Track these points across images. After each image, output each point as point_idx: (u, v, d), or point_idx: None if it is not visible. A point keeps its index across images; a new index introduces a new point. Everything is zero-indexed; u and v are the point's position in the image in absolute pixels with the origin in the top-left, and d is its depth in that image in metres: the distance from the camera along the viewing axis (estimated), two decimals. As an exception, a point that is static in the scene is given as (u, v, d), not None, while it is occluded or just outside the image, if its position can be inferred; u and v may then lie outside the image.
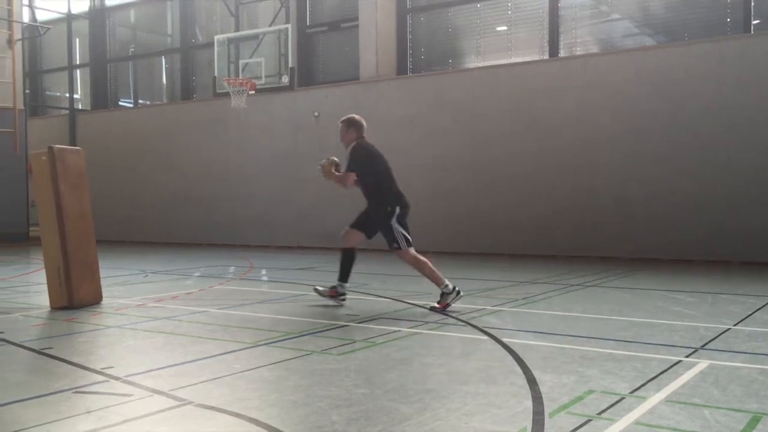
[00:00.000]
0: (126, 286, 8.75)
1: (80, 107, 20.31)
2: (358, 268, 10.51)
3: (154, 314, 6.50)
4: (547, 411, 3.45)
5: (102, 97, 19.51)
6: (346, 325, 5.85)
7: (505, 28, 13.82)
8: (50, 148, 6.88)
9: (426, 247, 13.39)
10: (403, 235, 6.62)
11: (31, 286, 8.95)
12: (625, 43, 12.66)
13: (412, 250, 6.63)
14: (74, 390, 3.93)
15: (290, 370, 4.37)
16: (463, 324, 5.85)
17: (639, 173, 11.55)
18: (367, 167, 6.79)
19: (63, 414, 3.51)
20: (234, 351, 4.92)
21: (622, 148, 11.70)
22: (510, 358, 4.59)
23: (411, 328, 5.71)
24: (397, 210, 6.63)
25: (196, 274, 10.14)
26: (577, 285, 8.32)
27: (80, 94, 20.68)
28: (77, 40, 20.05)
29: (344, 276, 6.93)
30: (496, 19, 13.89)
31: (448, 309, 6.45)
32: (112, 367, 4.44)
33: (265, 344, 5.15)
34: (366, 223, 6.89)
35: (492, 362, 4.49)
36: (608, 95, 11.85)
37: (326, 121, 14.74)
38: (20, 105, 16.90)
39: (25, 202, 16.84)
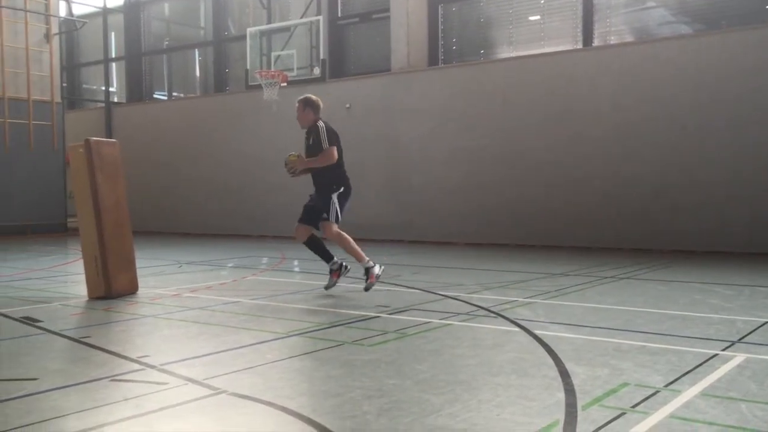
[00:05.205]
0: (161, 276, 8.88)
1: (116, 100, 20.62)
2: (391, 260, 10.51)
3: (189, 304, 6.59)
4: (579, 403, 3.43)
5: (137, 89, 19.78)
6: (378, 317, 5.87)
7: (537, 17, 13.66)
8: (87, 141, 7.01)
9: (458, 237, 13.41)
10: (337, 211, 6.91)
11: (69, 276, 9.13)
12: (661, 31, 12.44)
13: (336, 226, 6.88)
14: (111, 378, 4.01)
15: (322, 361, 4.41)
16: (495, 316, 5.83)
17: (676, 163, 11.35)
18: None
19: (100, 401, 3.58)
20: (267, 341, 4.97)
21: (659, 138, 11.51)
22: (542, 350, 4.57)
23: (442, 319, 5.71)
24: (341, 189, 6.99)
25: (230, 265, 10.24)
26: (611, 277, 8.23)
27: (116, 87, 20.99)
28: (113, 33, 20.33)
29: (327, 257, 7.14)
30: (528, 9, 13.74)
31: (375, 282, 6.91)
32: (148, 356, 4.51)
33: (298, 335, 5.19)
34: (312, 215, 7.07)
35: (524, 354, 4.47)
36: (644, 85, 11.65)
37: (358, 112, 14.75)
38: (57, 98, 17.22)
39: (63, 193, 17.19)
